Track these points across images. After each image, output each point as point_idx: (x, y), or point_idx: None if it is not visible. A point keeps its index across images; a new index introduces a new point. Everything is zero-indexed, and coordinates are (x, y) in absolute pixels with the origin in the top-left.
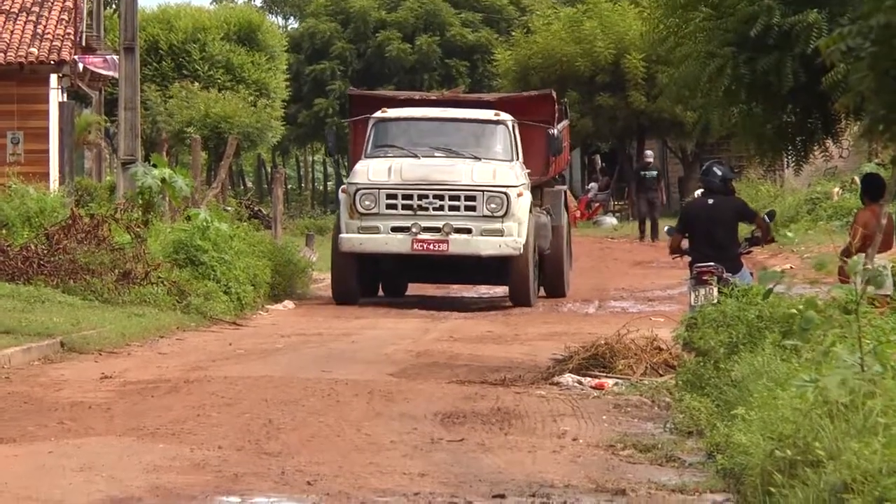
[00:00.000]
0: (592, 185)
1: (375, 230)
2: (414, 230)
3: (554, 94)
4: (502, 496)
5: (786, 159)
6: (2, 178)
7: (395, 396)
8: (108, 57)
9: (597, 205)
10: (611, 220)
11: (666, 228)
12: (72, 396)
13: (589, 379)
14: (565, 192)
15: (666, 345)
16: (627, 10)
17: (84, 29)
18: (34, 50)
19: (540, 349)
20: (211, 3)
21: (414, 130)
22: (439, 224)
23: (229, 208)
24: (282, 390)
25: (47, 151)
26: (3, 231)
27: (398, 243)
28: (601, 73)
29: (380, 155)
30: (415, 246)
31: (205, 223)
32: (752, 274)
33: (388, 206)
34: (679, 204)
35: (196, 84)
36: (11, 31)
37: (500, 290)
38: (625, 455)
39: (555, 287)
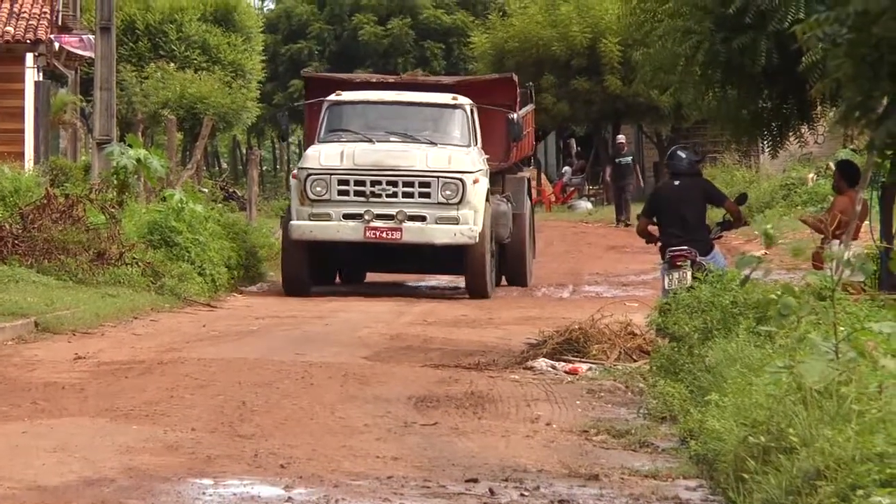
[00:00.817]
0: (567, 168)
1: (327, 217)
2: (367, 217)
3: (516, 78)
4: (475, 480)
5: (761, 144)
6: None
7: (368, 379)
8: (84, 36)
9: (571, 189)
10: (585, 205)
11: (637, 213)
12: (45, 377)
13: (563, 364)
14: (528, 180)
15: (640, 330)
16: None
17: (60, 8)
18: (10, 28)
19: (514, 333)
20: None
21: (369, 114)
22: (393, 211)
23: (204, 189)
24: (256, 372)
25: (22, 131)
26: None
27: (350, 231)
28: (577, 56)
29: (333, 140)
30: (367, 234)
31: (179, 204)
32: (724, 258)
33: (340, 193)
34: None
35: (172, 65)
36: None
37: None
38: (598, 440)
39: (516, 277)
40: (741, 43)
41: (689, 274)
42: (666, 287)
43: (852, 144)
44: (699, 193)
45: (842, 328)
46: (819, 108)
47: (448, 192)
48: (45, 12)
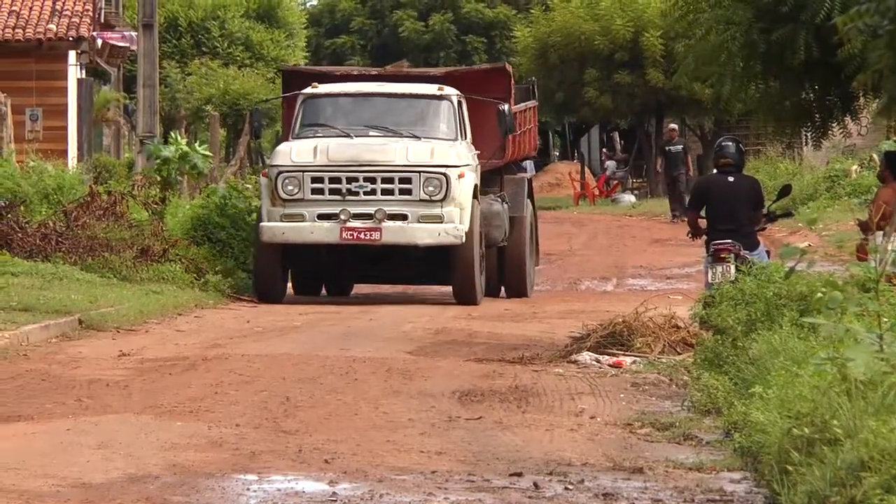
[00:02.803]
0: (610, 162)
1: (300, 218)
2: (343, 217)
3: (510, 68)
4: (520, 474)
5: (804, 136)
6: (21, 154)
7: (413, 374)
8: (126, 33)
9: (615, 182)
10: (629, 198)
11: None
12: (90, 374)
13: (607, 357)
14: (530, 181)
15: (684, 323)
16: None
17: (103, 5)
18: (52, 26)
19: (558, 327)
20: None
21: (348, 108)
22: (371, 210)
23: (248, 186)
24: (300, 368)
25: (66, 128)
26: (22, 208)
27: (325, 232)
28: (619, 50)
29: (308, 135)
30: (344, 235)
31: (223, 200)
32: (768, 252)
33: (314, 192)
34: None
35: (215, 61)
36: (30, 8)
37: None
38: (642, 433)
39: (515, 286)
40: (780, 35)
41: (733, 268)
42: (710, 280)
43: (894, 136)
44: (750, 191)
45: (886, 319)
46: (862, 99)
47: (431, 189)
48: (87, 9)
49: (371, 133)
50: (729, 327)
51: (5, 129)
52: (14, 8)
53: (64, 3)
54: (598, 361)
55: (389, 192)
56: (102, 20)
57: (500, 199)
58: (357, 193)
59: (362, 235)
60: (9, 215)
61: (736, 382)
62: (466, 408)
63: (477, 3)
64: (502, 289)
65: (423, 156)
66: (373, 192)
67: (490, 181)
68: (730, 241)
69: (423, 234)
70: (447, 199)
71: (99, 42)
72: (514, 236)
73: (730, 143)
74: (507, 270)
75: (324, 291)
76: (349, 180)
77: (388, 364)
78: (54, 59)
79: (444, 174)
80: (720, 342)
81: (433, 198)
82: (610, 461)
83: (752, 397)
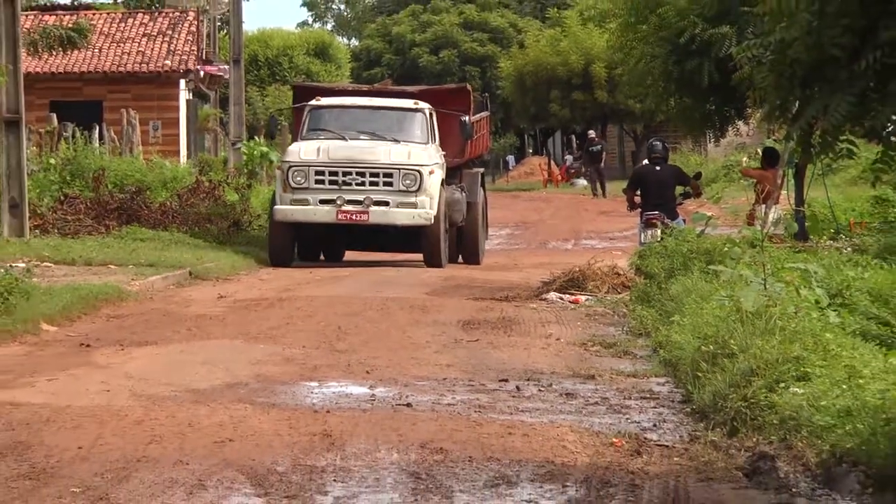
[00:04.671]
0: (569, 157)
1: (305, 202)
2: (339, 202)
3: (469, 88)
4: (506, 380)
5: (708, 137)
6: (146, 154)
7: (429, 309)
8: (221, 66)
9: (573, 171)
10: (582, 182)
11: (623, 188)
12: (197, 311)
13: (568, 296)
14: (482, 175)
15: (623, 271)
16: (593, 31)
17: (204, 46)
18: (168, 62)
19: (532, 275)
20: (296, 27)
21: (344, 117)
22: (361, 197)
23: None
24: (347, 305)
25: (178, 135)
26: (147, 193)
27: (325, 214)
28: (575, 76)
29: (312, 138)
30: (339, 216)
31: None
32: (684, 220)
33: (317, 182)
34: (631, 170)
35: (285, 86)
36: (152, 49)
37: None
38: (594, 350)
39: (470, 256)
40: (691, 65)
41: (660, 232)
42: (642, 240)
43: (774, 136)
44: (672, 176)
45: (768, 267)
46: (750, 110)
47: (408, 182)
48: (193, 49)
49: (361, 137)
50: (655, 274)
51: (134, 136)
52: (140, 49)
53: (176, 44)
54: (561, 299)
55: (375, 183)
56: (204, 57)
57: (460, 189)
58: (350, 184)
59: (354, 217)
60: (138, 198)
61: (660, 313)
62: (467, 333)
63: (472, 42)
64: (460, 256)
65: (402, 156)
66: (362, 183)
67: (452, 175)
68: (657, 212)
69: (402, 217)
70: (420, 190)
71: (201, 73)
72: (470, 218)
73: (657, 143)
74: (465, 243)
75: (322, 257)
76: (344, 174)
77: (410, 302)
78: (169, 86)
79: (419, 171)
80: (649, 285)
81: (409, 189)
82: (570, 370)
83: (672, 324)
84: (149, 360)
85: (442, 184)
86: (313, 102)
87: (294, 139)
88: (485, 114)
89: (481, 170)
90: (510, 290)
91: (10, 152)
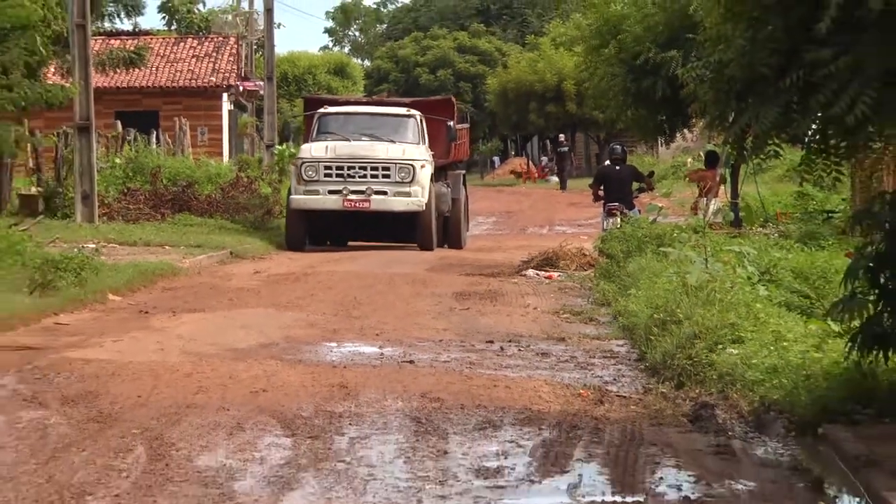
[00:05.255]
0: (544, 158)
1: (316, 192)
2: (344, 192)
3: (453, 100)
4: (491, 342)
5: (660, 141)
6: (195, 155)
7: (428, 283)
8: (257, 83)
9: (547, 170)
10: (555, 179)
11: (589, 184)
12: (236, 284)
13: (543, 272)
14: (464, 175)
15: (588, 252)
16: (564, 54)
17: (243, 65)
18: (213, 78)
19: (514, 255)
20: (319, 50)
21: (348, 122)
22: (363, 188)
23: None
24: (361, 279)
25: (221, 139)
26: (196, 186)
27: (333, 202)
28: (549, 91)
29: (321, 139)
30: (345, 204)
31: None
32: (639, 210)
33: (326, 175)
34: (595, 169)
35: None
36: (200, 68)
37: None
38: (564, 317)
39: (454, 242)
40: (646, 83)
41: (619, 220)
42: (604, 227)
43: (713, 141)
44: (629, 174)
45: (708, 249)
46: (694, 119)
47: (403, 174)
48: (233, 68)
49: (363, 138)
50: (615, 254)
51: (185, 140)
52: (190, 67)
53: (219, 64)
54: (538, 275)
55: (375, 176)
56: (243, 74)
57: (446, 185)
58: (354, 177)
59: (357, 204)
60: (188, 191)
61: (619, 287)
62: (460, 302)
63: (465, 63)
64: (445, 244)
65: (398, 153)
66: (364, 176)
67: (439, 174)
68: (617, 203)
69: (398, 204)
70: (413, 181)
71: (241, 88)
72: (454, 210)
73: (617, 146)
74: (450, 232)
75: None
76: (349, 168)
77: (413, 277)
78: (214, 98)
79: (412, 165)
80: (610, 263)
81: (404, 181)
82: (545, 334)
83: (629, 296)
84: (196, 325)
85: (431, 178)
86: (322, 110)
87: (305, 141)
88: (466, 125)
89: (463, 171)
90: (495, 268)
91: (83, 153)
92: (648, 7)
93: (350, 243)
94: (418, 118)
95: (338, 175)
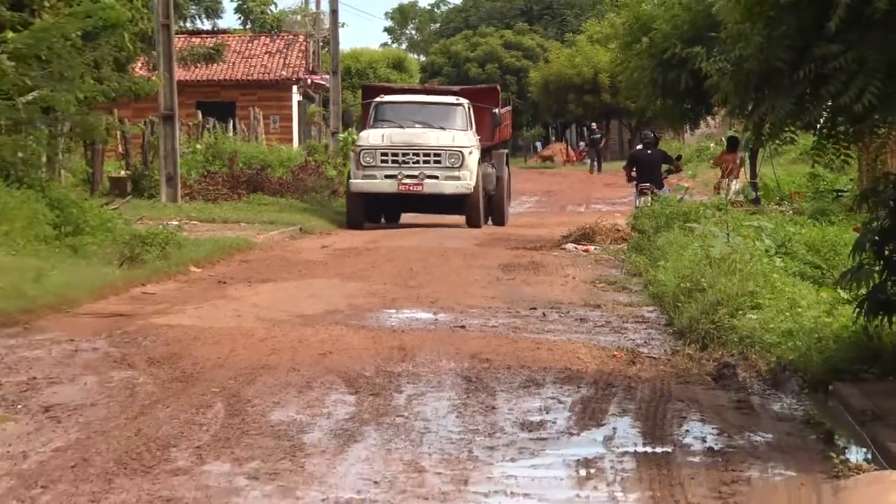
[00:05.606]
0: (582, 143)
1: (373, 177)
2: (399, 177)
3: (499, 88)
4: (535, 308)
5: (685, 128)
6: (268, 141)
7: (477, 256)
8: (324, 76)
9: (584, 154)
10: (589, 162)
11: (623, 166)
12: (305, 257)
13: (581, 246)
14: (507, 154)
15: (622, 228)
16: (599, 50)
17: (311, 61)
18: (284, 72)
19: (555, 230)
20: (379, 46)
21: (402, 110)
22: (416, 172)
23: None
24: (417, 253)
25: (291, 127)
26: (269, 169)
27: (388, 186)
28: (586, 83)
29: (378, 126)
30: (400, 187)
31: None
32: (668, 190)
33: (382, 161)
34: (627, 152)
35: None
36: (272, 63)
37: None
38: (600, 287)
39: (498, 218)
40: (672, 75)
41: (650, 199)
42: (637, 205)
43: (734, 127)
44: (660, 157)
45: (730, 225)
46: (716, 108)
47: (453, 160)
48: (302, 62)
49: (416, 125)
50: (646, 230)
51: (259, 128)
52: (263, 63)
53: (290, 59)
54: (576, 248)
55: (427, 162)
56: (311, 69)
57: (491, 165)
58: (408, 163)
59: (411, 187)
60: (262, 173)
61: (650, 259)
62: (506, 273)
63: (510, 58)
64: (490, 220)
65: (448, 140)
66: (417, 161)
67: (485, 154)
68: (648, 184)
69: (448, 187)
70: (462, 167)
71: (309, 81)
72: (498, 188)
73: (648, 132)
74: (494, 209)
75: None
76: (403, 154)
77: (463, 251)
78: (285, 90)
79: (461, 151)
80: (641, 238)
81: (454, 166)
82: (583, 301)
83: (658, 267)
84: (270, 294)
85: (478, 161)
86: (378, 99)
87: (363, 128)
88: (508, 108)
89: (506, 150)
90: (537, 242)
91: (167, 139)
92: (675, 8)
93: (404, 218)
94: (466, 106)
95: (393, 161)
